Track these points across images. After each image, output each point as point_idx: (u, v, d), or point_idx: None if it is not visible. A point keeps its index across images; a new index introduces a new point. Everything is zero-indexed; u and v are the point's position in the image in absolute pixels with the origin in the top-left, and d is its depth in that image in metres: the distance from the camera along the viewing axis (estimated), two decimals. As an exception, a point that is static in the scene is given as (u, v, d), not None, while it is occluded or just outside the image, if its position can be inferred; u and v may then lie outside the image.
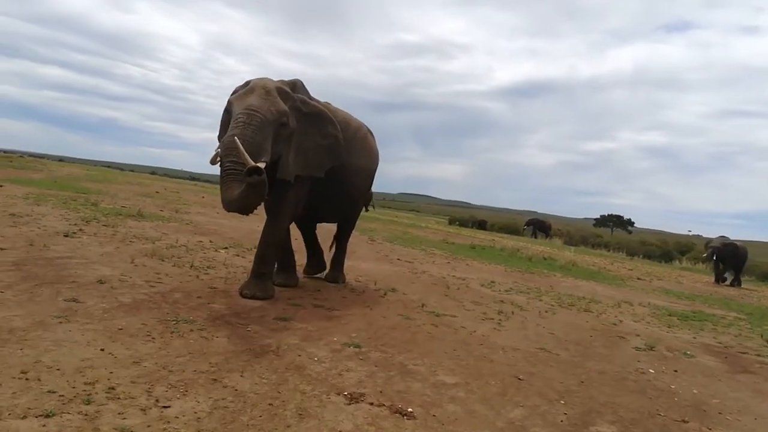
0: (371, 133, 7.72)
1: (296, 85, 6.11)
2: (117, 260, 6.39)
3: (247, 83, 5.76)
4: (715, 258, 19.21)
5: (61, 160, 54.96)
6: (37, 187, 13.62)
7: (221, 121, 5.94)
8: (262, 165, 4.97)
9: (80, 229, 8.05)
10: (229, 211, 5.24)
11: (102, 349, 3.61)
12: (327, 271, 7.69)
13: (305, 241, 7.80)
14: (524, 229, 38.88)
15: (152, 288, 5.42)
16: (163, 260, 6.84)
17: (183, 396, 3.11)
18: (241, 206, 5.06)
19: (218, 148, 5.28)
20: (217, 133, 6.08)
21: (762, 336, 8.35)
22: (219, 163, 5.19)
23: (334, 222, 7.77)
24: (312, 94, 6.33)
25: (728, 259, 19.24)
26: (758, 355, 6.88)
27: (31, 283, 4.89)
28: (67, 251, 6.44)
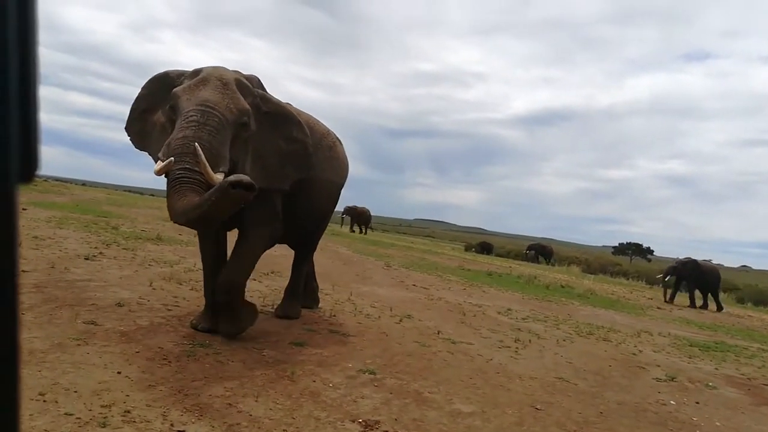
0: (340, 142, 6.66)
1: (253, 82, 5.05)
2: (136, 283, 6.45)
3: (197, 72, 4.67)
4: (670, 277, 18.37)
5: (83, 184, 55.92)
6: (60, 211, 13.86)
7: (150, 119, 4.85)
8: (220, 176, 4.13)
9: (100, 252, 8.16)
10: (179, 223, 4.25)
11: (119, 372, 3.63)
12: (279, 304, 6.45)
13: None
14: (526, 253, 40.08)
15: (169, 311, 5.46)
16: (180, 284, 6.90)
17: (198, 420, 3.11)
18: (198, 217, 4.03)
19: (162, 153, 4.24)
20: (125, 125, 5.09)
21: (788, 368, 8.12)
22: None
23: (290, 245, 6.60)
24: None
25: (689, 278, 18.03)
26: (784, 388, 6.68)
27: (51, 305, 4.96)
28: (87, 274, 6.53)
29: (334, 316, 6.69)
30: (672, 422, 4.62)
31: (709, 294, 18.21)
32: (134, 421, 2.96)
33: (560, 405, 4.58)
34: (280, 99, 5.41)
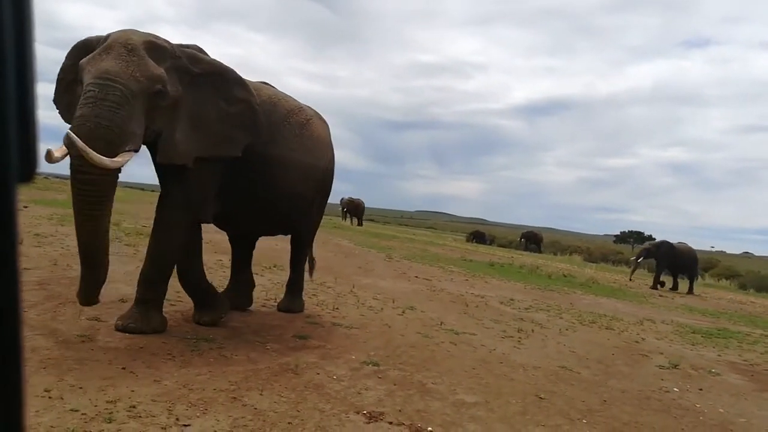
0: (321, 122, 6.13)
1: (175, 46, 4.48)
2: (138, 279, 6.46)
3: (106, 38, 4.13)
4: (642, 259, 18.35)
5: (84, 180, 55.72)
6: (62, 208, 13.86)
7: (78, 91, 4.03)
8: (126, 157, 3.85)
9: (102, 249, 8.16)
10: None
11: (123, 368, 3.65)
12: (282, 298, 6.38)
13: (231, 260, 6.42)
14: (520, 241, 41.24)
15: (173, 306, 5.47)
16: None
17: (203, 414, 3.13)
18: (81, 224, 3.87)
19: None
20: (53, 98, 4.62)
21: (790, 354, 8.14)
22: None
23: (272, 235, 6.36)
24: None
25: (663, 259, 17.85)
26: (787, 374, 6.70)
27: (54, 302, 4.97)
28: (90, 270, 6.53)
29: (337, 308, 6.71)
30: (675, 409, 4.64)
31: (687, 277, 18.13)
32: (140, 416, 2.97)
33: (564, 394, 4.60)
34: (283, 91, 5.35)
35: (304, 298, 6.45)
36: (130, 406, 3.07)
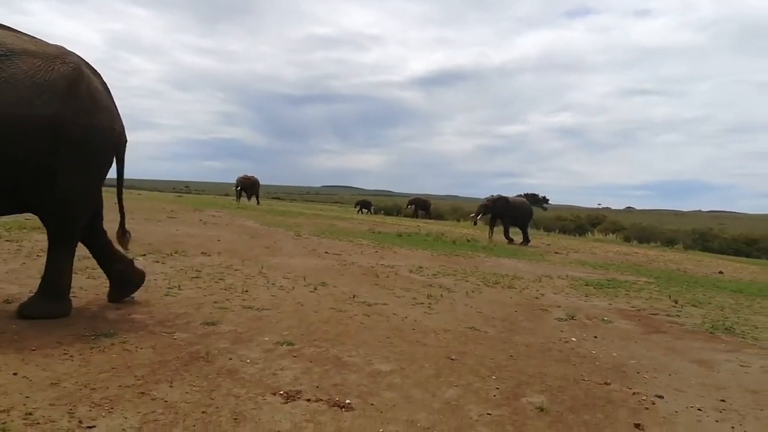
0: (62, 63, 4.52)
1: None
2: (24, 276, 5.97)
3: None
4: (481, 215, 19.53)
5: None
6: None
7: None
8: None
9: (-21, 247, 7.45)
10: None
11: (15, 373, 3.37)
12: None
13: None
14: (408, 207, 43.47)
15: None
16: (76, 272, 6.43)
17: (109, 414, 2.97)
18: None
19: None
20: None
21: (670, 297, 9.00)
22: None
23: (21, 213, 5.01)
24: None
25: (500, 214, 19.02)
26: (668, 315, 7.41)
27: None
28: (-34, 272, 5.94)
29: (246, 291, 6.56)
30: (574, 357, 5.00)
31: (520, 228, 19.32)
32: (38, 423, 2.77)
33: (473, 353, 4.81)
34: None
35: (205, 281, 6.23)
36: (26, 414, 2.85)
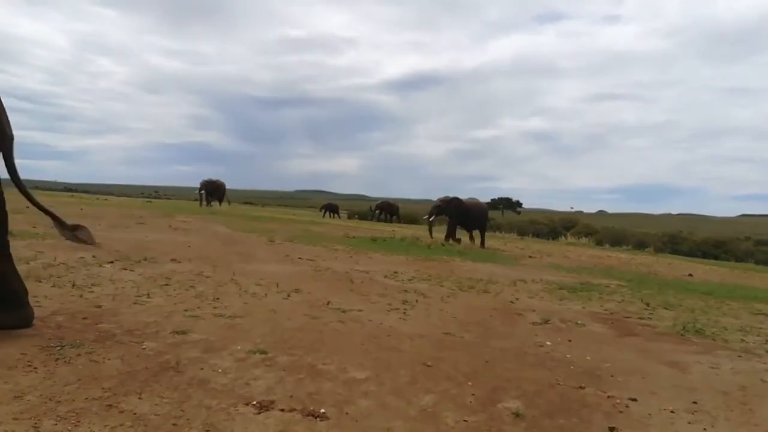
0: None
1: None
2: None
3: None
4: (435, 217, 19.74)
5: None
6: None
7: None
8: None
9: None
10: None
11: (-27, 389, 3.23)
12: None
13: None
14: (375, 212, 42.92)
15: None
16: (40, 281, 6.25)
17: (75, 427, 2.85)
18: None
19: None
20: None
21: (642, 300, 9.13)
22: None
23: None
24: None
25: (453, 215, 19.04)
26: (640, 318, 7.50)
27: None
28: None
29: (218, 299, 6.43)
30: (549, 361, 5.01)
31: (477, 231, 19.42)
32: (-3, 441, 2.65)
33: (449, 359, 4.78)
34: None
35: (175, 289, 6.08)
36: (-15, 431, 2.72)
